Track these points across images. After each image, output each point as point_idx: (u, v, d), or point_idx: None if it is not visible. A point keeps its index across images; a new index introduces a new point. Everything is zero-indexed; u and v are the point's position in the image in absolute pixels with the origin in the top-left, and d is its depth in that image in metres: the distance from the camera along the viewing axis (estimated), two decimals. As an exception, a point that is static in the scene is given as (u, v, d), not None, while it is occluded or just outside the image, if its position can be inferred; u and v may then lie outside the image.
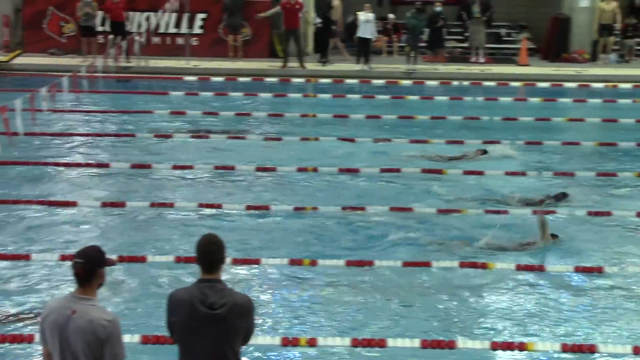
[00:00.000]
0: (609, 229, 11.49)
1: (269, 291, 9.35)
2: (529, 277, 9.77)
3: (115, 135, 16.32)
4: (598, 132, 17.54)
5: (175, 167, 13.94)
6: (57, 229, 11.20)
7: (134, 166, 13.92)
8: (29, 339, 7.90)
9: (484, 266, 9.91)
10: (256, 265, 9.90)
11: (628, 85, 22.37)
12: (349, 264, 9.93)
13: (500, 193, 12.98)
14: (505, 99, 20.35)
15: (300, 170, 13.81)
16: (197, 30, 25.42)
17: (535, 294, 9.40)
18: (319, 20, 25.18)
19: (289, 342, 8.00)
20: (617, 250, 10.75)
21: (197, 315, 5.35)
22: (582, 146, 15.95)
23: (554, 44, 26.42)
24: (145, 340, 7.85)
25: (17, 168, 13.76)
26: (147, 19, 25.09)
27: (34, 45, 24.83)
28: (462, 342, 8.07)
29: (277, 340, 8.04)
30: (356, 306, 9.01)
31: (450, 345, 7.98)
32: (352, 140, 15.96)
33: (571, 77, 23.29)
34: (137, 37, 23.18)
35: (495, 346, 8.01)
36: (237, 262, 9.77)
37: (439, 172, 13.82)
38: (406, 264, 9.92)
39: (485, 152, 15.14)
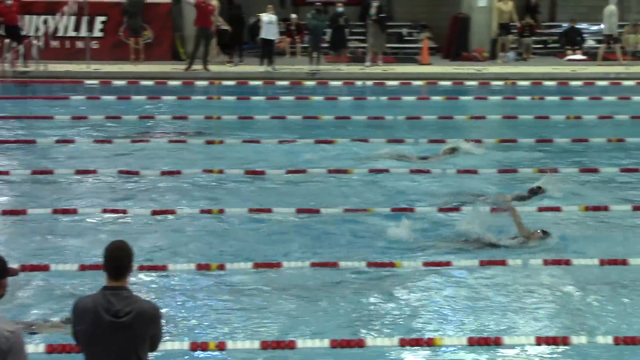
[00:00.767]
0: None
1: (176, 296, 9.24)
2: (435, 274, 9.87)
3: (15, 141, 15.94)
4: (499, 129, 17.83)
5: (78, 172, 13.68)
6: (-45, 239, 10.88)
7: (35, 172, 13.62)
8: None
9: (391, 265, 9.98)
10: (163, 271, 9.78)
11: (526, 83, 22.86)
12: (257, 266, 9.88)
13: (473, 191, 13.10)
14: (408, 98, 20.58)
15: (206, 172, 13.71)
16: (97, 33, 25.05)
17: (443, 291, 9.50)
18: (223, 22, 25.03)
19: (198, 347, 7.92)
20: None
21: (102, 323, 5.25)
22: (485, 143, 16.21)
23: (455, 43, 26.87)
24: (51, 350, 7.68)
25: None
26: (45, 22, 24.59)
27: None
28: (371, 341, 8.12)
29: (185, 345, 7.95)
30: (265, 308, 8.97)
31: (360, 344, 8.01)
32: (257, 142, 15.92)
33: (472, 76, 23.71)
34: (34, 41, 22.70)
35: (404, 343, 8.07)
36: (143, 268, 9.64)
37: (345, 171, 13.87)
38: (314, 264, 9.92)
39: (454, 150, 15.28)
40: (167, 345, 7.59)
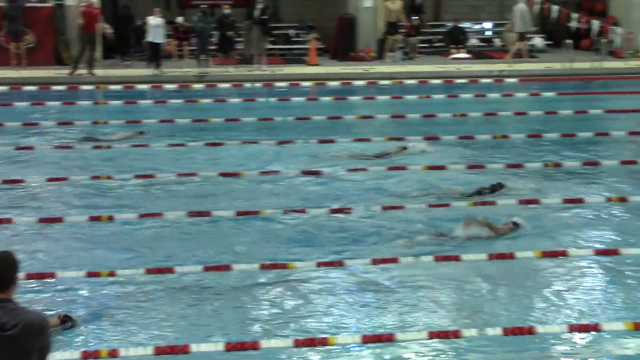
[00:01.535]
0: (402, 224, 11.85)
1: (65, 304, 9.03)
2: (331, 274, 9.91)
3: None
4: (387, 128, 18.03)
5: (-40, 182, 13.27)
6: None
7: None
8: None
9: (284, 266, 9.98)
10: (51, 279, 9.55)
11: (413, 82, 23.21)
12: (149, 272, 9.75)
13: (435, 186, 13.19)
14: (297, 99, 20.65)
15: (94, 178, 13.47)
16: (-25, 38, 24.34)
17: (338, 290, 9.54)
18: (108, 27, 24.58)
19: (90, 355, 7.76)
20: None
21: (-12, 337, 5.08)
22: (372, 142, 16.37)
23: (342, 43, 27.09)
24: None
25: None
26: None
27: None
28: (265, 342, 8.10)
29: (76, 355, 7.77)
30: (158, 314, 8.85)
31: (254, 346, 7.98)
32: (146, 146, 15.73)
33: (360, 76, 23.95)
34: None
35: (298, 343, 8.07)
36: (31, 277, 9.39)
37: (236, 174, 13.83)
38: (207, 269, 9.84)
39: (405, 148, 15.42)
40: (56, 355, 7.41)
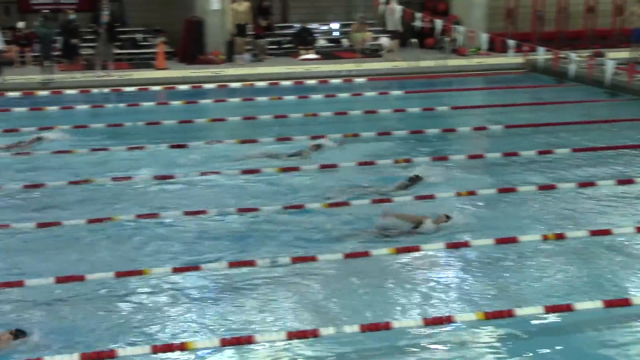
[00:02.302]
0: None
1: None
2: (181, 279, 9.82)
3: None
4: (240, 130, 17.98)
5: None
6: None
7: None
8: None
9: (140, 273, 9.80)
10: None
11: (264, 84, 23.25)
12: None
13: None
14: (147, 104, 20.35)
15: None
16: None
17: (190, 294, 9.46)
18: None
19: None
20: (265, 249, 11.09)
21: None
22: (225, 144, 16.29)
23: (190, 46, 26.87)
24: None
25: None
26: None
27: None
28: (122, 351, 7.94)
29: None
30: (9, 328, 8.56)
31: (111, 355, 7.82)
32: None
33: (210, 78, 23.81)
34: None
35: (156, 349, 7.96)
36: None
37: (86, 181, 13.51)
38: (60, 280, 9.56)
39: (319, 146, 15.50)
40: None
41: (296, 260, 10.19)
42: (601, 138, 16.76)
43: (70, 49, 25.27)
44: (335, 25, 30.25)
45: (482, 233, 11.10)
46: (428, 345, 8.24)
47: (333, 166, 14.31)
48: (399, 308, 9.07)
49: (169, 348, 7.98)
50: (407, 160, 14.62)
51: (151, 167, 14.65)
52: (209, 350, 8.06)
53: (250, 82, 23.38)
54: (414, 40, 26.29)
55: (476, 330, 8.48)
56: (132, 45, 28.03)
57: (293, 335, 8.19)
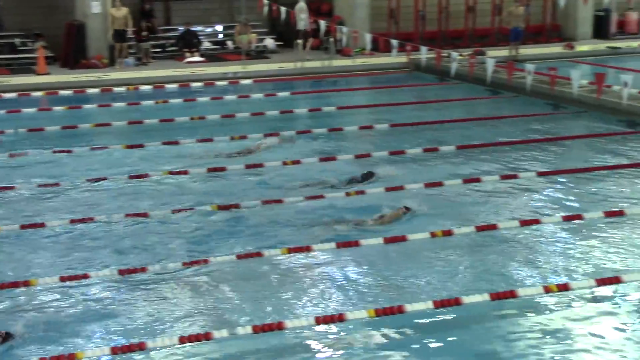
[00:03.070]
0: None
1: None
2: (72, 287, 9.64)
3: None
4: (126, 135, 17.70)
5: None
6: None
7: None
8: None
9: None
10: None
11: (148, 87, 22.99)
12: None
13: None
14: (28, 110, 19.87)
15: None
16: None
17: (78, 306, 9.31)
18: None
19: None
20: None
21: None
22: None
23: (72, 50, 26.32)
24: None
25: None
26: None
27: None
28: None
29: None
30: None
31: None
32: None
33: (93, 83, 23.41)
34: None
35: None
36: None
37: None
38: None
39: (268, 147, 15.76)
40: None
41: (187, 264, 10.11)
42: (484, 134, 17.17)
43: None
44: (219, 28, 30.10)
45: (372, 233, 11.22)
46: (320, 344, 8.29)
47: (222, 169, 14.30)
48: (291, 308, 9.09)
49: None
50: (296, 162, 14.67)
51: (34, 174, 14.30)
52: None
53: (135, 86, 23.07)
54: (298, 41, 26.40)
55: (367, 327, 8.57)
56: (10, 50, 27.29)
57: (186, 339, 8.12)
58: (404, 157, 15.18)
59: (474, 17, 30.45)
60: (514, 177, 13.80)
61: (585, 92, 19.63)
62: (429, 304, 8.78)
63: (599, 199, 12.78)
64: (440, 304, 8.79)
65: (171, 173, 14.10)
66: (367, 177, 13.61)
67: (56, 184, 13.56)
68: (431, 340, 8.38)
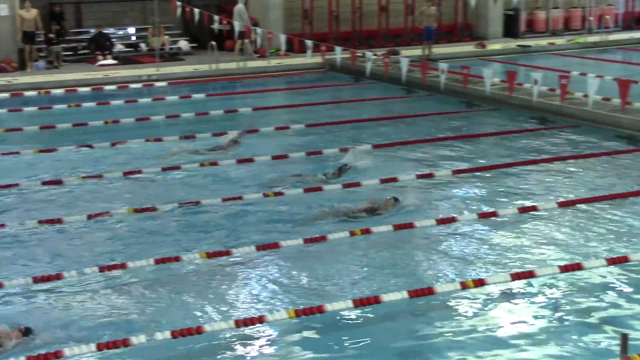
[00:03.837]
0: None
1: None
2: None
3: None
4: (38, 139, 17.37)
5: None
6: None
7: None
8: None
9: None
10: None
11: (60, 91, 22.60)
12: None
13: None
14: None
15: None
16: None
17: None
18: None
19: None
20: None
21: None
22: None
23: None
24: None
25: None
26: None
27: None
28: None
29: None
30: None
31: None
32: None
33: (2, 87, 22.91)
34: None
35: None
36: None
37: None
38: None
39: (236, 142, 16.05)
40: None
41: (104, 269, 9.99)
42: (400, 133, 17.33)
43: None
44: (131, 30, 29.74)
45: (291, 234, 11.23)
46: (240, 347, 8.25)
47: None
48: (211, 311, 9.04)
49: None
50: (214, 164, 14.62)
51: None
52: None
53: (46, 90, 22.64)
54: (212, 42, 26.24)
55: (287, 328, 8.56)
56: None
57: (103, 346, 8.00)
58: (321, 157, 15.23)
59: (387, 17, 30.69)
60: (430, 175, 13.96)
61: (497, 90, 20.00)
62: (349, 303, 8.82)
63: (513, 195, 13.01)
64: (360, 303, 8.83)
65: (86, 178, 13.92)
66: (342, 169, 13.91)
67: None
68: (351, 339, 8.41)
